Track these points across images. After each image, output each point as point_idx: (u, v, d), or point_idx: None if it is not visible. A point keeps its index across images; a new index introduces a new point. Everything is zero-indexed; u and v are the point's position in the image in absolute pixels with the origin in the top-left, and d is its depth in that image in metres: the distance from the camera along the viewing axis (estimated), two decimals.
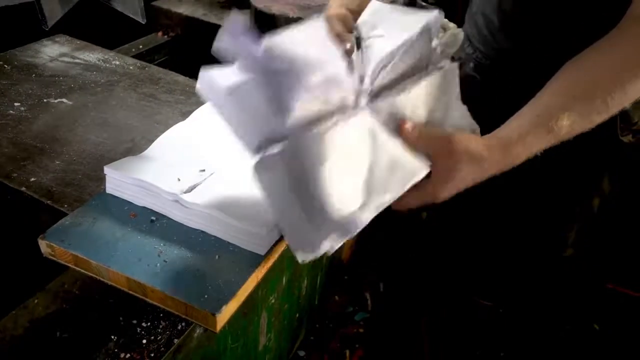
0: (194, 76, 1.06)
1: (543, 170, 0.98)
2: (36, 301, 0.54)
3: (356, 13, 0.66)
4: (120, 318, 0.53)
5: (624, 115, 0.86)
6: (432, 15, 0.53)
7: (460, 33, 1.16)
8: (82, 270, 0.54)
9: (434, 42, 0.53)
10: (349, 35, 0.57)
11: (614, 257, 1.61)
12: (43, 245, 0.54)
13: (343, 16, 0.61)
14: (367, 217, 0.48)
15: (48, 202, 0.64)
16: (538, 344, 1.48)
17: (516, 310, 1.53)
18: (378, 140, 0.48)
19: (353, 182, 0.47)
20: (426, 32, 0.52)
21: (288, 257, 0.88)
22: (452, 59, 0.59)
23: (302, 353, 1.32)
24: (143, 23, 0.78)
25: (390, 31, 0.53)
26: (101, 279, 0.54)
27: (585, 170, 0.95)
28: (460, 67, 1.05)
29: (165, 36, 1.35)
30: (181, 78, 0.97)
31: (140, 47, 1.26)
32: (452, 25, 1.19)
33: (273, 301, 0.87)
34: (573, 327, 1.53)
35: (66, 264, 0.54)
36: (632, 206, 1.45)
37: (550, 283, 1.41)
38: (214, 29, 1.27)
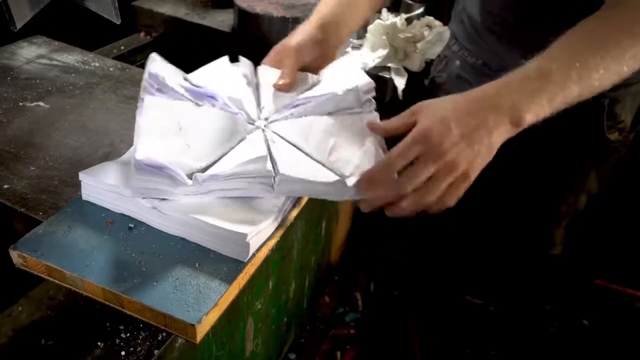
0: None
1: (529, 167, 0.98)
2: (20, 308, 0.52)
3: (322, 41, 0.70)
4: (107, 324, 0.52)
5: (610, 112, 0.86)
6: (367, 82, 0.67)
7: (446, 31, 1.17)
8: (57, 282, 0.52)
9: (364, 97, 0.66)
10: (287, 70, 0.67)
11: (602, 253, 1.62)
12: (14, 255, 0.52)
13: (291, 51, 0.68)
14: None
15: (22, 209, 0.61)
16: (528, 341, 1.49)
17: (506, 308, 1.54)
18: (277, 144, 0.61)
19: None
20: (354, 92, 0.65)
21: (274, 261, 0.87)
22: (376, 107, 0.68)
23: (292, 356, 1.31)
24: (117, 23, 0.76)
25: (329, 82, 0.69)
26: (77, 290, 0.52)
27: (571, 168, 0.95)
28: (447, 64, 1.05)
29: (148, 37, 1.32)
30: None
31: (122, 48, 1.24)
32: (437, 23, 1.20)
33: (259, 306, 0.86)
34: (563, 324, 1.54)
35: (39, 275, 0.52)
36: (619, 203, 1.46)
37: (540, 280, 1.41)
38: (197, 28, 1.26)
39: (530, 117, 0.56)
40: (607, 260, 1.64)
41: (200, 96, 0.64)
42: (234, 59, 0.71)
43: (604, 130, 0.87)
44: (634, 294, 1.63)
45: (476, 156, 0.54)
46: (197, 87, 0.64)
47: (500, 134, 0.55)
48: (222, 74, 0.68)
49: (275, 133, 0.63)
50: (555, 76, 0.56)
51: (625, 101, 0.86)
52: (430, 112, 0.54)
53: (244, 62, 0.70)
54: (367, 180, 0.54)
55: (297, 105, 0.66)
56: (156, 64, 0.63)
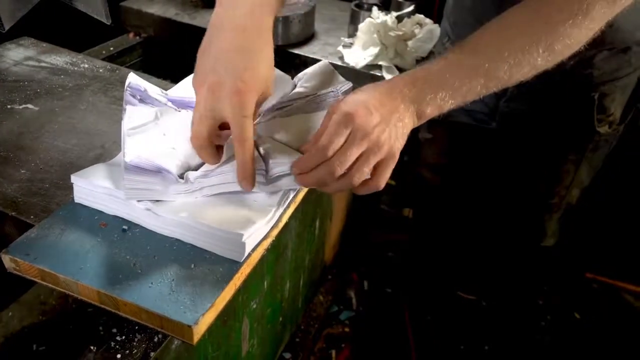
0: (168, 77, 1.03)
1: (521, 160, 0.99)
2: (10, 314, 0.52)
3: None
4: (100, 328, 0.51)
5: (600, 106, 0.87)
6: (345, 84, 0.68)
7: (436, 29, 1.17)
8: (50, 285, 0.51)
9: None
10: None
11: (592, 246, 1.64)
12: (6, 260, 0.51)
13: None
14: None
15: (13, 213, 0.61)
16: (521, 335, 1.50)
17: (498, 303, 1.55)
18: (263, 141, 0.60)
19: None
20: (334, 93, 0.67)
21: (269, 261, 0.87)
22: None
23: (287, 355, 1.31)
24: (108, 24, 0.75)
25: (309, 85, 0.69)
26: (71, 293, 0.51)
27: (561, 160, 0.96)
28: None
29: (137, 37, 1.31)
30: (154, 80, 0.94)
31: (111, 49, 1.23)
32: (428, 21, 1.20)
33: (255, 306, 0.86)
34: (554, 317, 1.56)
35: (32, 279, 0.52)
36: (609, 196, 1.48)
37: (531, 275, 1.43)
38: (186, 29, 1.25)
39: (432, 110, 0.57)
40: (596, 253, 1.66)
41: (182, 105, 0.63)
42: None
43: (595, 123, 0.89)
44: (624, 287, 1.65)
45: (396, 138, 0.55)
46: (178, 97, 0.64)
47: (408, 123, 0.57)
48: None
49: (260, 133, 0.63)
50: (461, 70, 0.57)
51: (614, 95, 0.87)
52: (349, 100, 0.56)
53: None
54: (301, 165, 0.55)
55: (279, 109, 0.66)
56: (136, 78, 0.62)
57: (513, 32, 0.59)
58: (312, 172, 0.54)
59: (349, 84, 0.68)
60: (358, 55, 1.10)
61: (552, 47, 0.58)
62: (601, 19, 0.59)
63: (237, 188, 0.56)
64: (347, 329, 1.47)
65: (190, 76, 0.67)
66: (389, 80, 0.59)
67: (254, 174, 0.54)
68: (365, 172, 0.55)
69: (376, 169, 0.55)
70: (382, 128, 0.54)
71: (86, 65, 0.96)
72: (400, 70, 1.09)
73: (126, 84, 0.60)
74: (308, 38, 1.20)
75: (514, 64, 0.58)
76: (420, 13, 1.16)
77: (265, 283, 0.88)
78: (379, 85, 0.58)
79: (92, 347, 0.50)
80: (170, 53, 1.30)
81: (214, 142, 0.54)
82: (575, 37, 0.59)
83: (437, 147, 1.10)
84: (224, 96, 0.50)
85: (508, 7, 0.62)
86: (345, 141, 0.53)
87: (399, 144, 0.56)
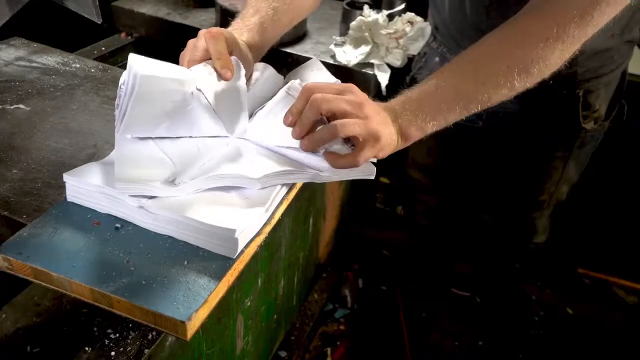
0: None
1: (508, 158, 1.00)
2: (4, 315, 0.52)
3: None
4: (95, 329, 0.52)
5: (585, 102, 0.88)
6: (334, 81, 0.72)
7: (427, 27, 1.18)
8: (44, 284, 0.51)
9: None
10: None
11: (583, 242, 1.66)
12: None
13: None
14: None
15: (5, 213, 0.61)
16: (514, 330, 1.52)
17: (492, 299, 1.56)
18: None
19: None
20: None
21: (262, 258, 0.87)
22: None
23: (283, 354, 1.31)
24: (99, 22, 0.75)
25: (297, 83, 0.69)
26: (64, 292, 0.51)
27: (549, 157, 0.97)
28: (426, 61, 1.06)
29: (129, 37, 1.31)
30: None
31: (103, 49, 1.22)
32: (419, 19, 1.21)
33: (249, 304, 0.86)
34: (547, 312, 1.57)
35: (25, 277, 0.52)
36: (599, 192, 1.50)
37: (524, 271, 1.44)
38: (178, 28, 1.25)
39: (415, 130, 0.61)
40: (588, 249, 1.68)
41: None
42: None
43: (580, 120, 0.90)
44: (616, 282, 1.67)
45: (384, 124, 0.59)
46: None
47: (393, 134, 0.60)
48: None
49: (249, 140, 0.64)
50: (439, 94, 0.61)
51: (599, 91, 0.88)
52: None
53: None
54: (292, 110, 0.59)
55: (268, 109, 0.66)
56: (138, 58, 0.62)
57: (488, 59, 0.62)
58: (301, 120, 0.58)
59: (338, 82, 0.69)
60: (350, 53, 1.10)
61: (528, 70, 0.61)
62: (575, 41, 0.61)
63: (230, 182, 0.57)
64: (342, 327, 1.47)
65: None
66: (388, 103, 0.63)
67: (230, 61, 0.60)
68: (348, 112, 0.57)
69: (357, 145, 0.58)
70: (371, 106, 0.59)
71: (78, 65, 0.96)
72: (392, 68, 1.10)
73: (120, 81, 0.60)
74: (300, 37, 1.20)
75: (491, 87, 0.61)
76: (411, 11, 1.16)
77: (259, 280, 0.89)
78: (376, 104, 0.62)
79: (87, 349, 0.50)
80: (162, 52, 1.29)
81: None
82: (550, 58, 0.61)
83: (425, 147, 1.11)
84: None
85: (483, 19, 0.64)
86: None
87: (386, 132, 0.59)
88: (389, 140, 0.59)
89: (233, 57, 0.61)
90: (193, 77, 0.58)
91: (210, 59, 0.61)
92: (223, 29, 0.63)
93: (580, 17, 0.59)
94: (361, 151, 0.58)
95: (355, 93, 0.59)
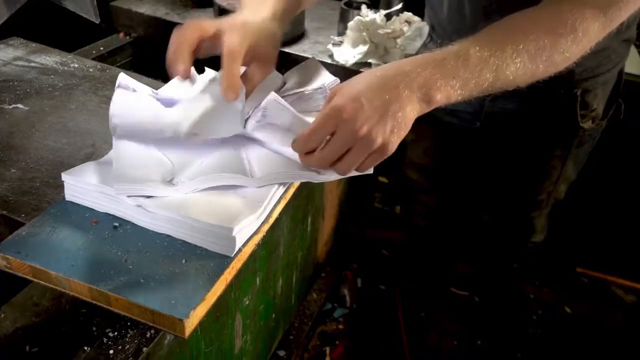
0: (159, 77, 1.03)
1: (506, 159, 1.01)
2: (3, 315, 0.52)
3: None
4: (94, 328, 0.52)
5: (582, 102, 0.89)
6: (333, 80, 0.70)
7: (425, 26, 1.18)
8: (42, 283, 0.52)
9: None
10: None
11: (582, 241, 1.66)
12: None
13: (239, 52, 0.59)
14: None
15: (4, 212, 0.61)
16: (513, 329, 1.52)
17: (491, 299, 1.57)
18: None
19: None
20: (322, 90, 0.69)
21: (261, 257, 0.87)
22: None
23: (281, 353, 1.31)
24: (97, 22, 0.75)
25: (295, 82, 0.71)
26: (63, 290, 0.51)
27: (547, 157, 0.98)
28: None
29: (128, 37, 1.31)
30: (145, 79, 0.95)
31: (101, 49, 1.22)
32: (416, 19, 1.21)
33: (247, 302, 0.86)
34: (546, 311, 1.58)
35: (24, 276, 0.52)
36: (597, 191, 1.50)
37: (522, 270, 1.44)
38: None
39: (441, 97, 0.56)
40: (586, 248, 1.68)
41: (172, 104, 0.63)
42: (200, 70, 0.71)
43: (578, 119, 0.90)
44: (614, 281, 1.67)
45: (391, 131, 0.54)
46: (168, 97, 0.64)
47: (413, 109, 0.55)
48: (188, 85, 0.67)
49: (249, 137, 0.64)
50: (472, 61, 0.57)
51: (596, 90, 0.89)
52: (344, 90, 0.55)
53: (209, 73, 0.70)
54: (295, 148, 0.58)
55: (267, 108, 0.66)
56: (126, 78, 0.63)
57: (520, 37, 0.59)
58: (304, 157, 0.57)
59: (337, 80, 0.69)
60: (347, 53, 1.10)
61: (552, 58, 0.60)
62: (595, 39, 0.61)
63: (227, 182, 0.57)
64: (341, 326, 1.48)
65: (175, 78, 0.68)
66: (395, 63, 0.58)
67: (239, 85, 0.58)
68: (352, 166, 0.55)
69: (365, 158, 0.56)
70: (374, 122, 0.53)
71: (76, 65, 0.96)
72: None
73: (116, 84, 0.61)
74: (298, 37, 1.20)
75: (520, 67, 0.58)
76: (408, 11, 1.17)
77: (258, 279, 0.89)
78: (381, 70, 0.57)
79: (85, 348, 0.50)
80: (160, 52, 1.30)
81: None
82: (573, 52, 0.60)
83: (422, 147, 1.11)
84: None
85: (481, 21, 0.63)
86: (333, 134, 0.54)
87: (397, 136, 0.55)
88: (404, 129, 0.56)
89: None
90: (171, 120, 0.59)
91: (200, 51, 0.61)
92: (246, 26, 0.60)
93: (604, 14, 0.59)
94: (369, 164, 0.57)
95: (346, 121, 0.53)
